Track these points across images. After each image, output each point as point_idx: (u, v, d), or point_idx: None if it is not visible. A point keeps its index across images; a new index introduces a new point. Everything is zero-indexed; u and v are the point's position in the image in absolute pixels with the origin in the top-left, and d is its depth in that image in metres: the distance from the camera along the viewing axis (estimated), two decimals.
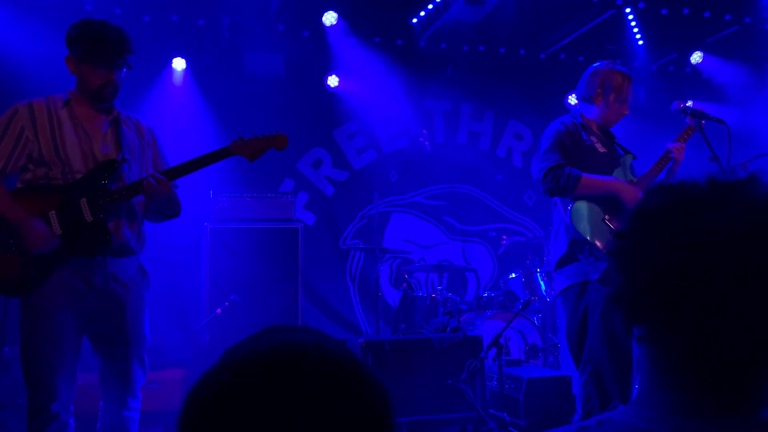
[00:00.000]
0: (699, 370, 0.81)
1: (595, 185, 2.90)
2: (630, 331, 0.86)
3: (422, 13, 5.95)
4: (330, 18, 5.76)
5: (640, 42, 6.35)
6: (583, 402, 2.90)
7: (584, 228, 2.86)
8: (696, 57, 6.55)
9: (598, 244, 2.81)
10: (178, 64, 5.83)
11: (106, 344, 2.56)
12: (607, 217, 2.89)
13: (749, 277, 0.78)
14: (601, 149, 3.06)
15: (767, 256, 0.78)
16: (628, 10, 5.84)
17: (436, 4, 5.73)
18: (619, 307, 0.86)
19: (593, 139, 3.07)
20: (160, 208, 2.66)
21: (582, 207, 2.90)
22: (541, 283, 5.40)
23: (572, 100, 6.83)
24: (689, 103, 3.29)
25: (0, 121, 2.48)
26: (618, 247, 0.87)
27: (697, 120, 2.99)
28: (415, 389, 3.79)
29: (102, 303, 2.50)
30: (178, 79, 5.91)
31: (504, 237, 6.18)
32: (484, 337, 4.04)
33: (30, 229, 2.36)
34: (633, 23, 6.10)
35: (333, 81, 6.29)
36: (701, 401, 0.82)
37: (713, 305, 0.79)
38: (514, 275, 5.56)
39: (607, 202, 2.91)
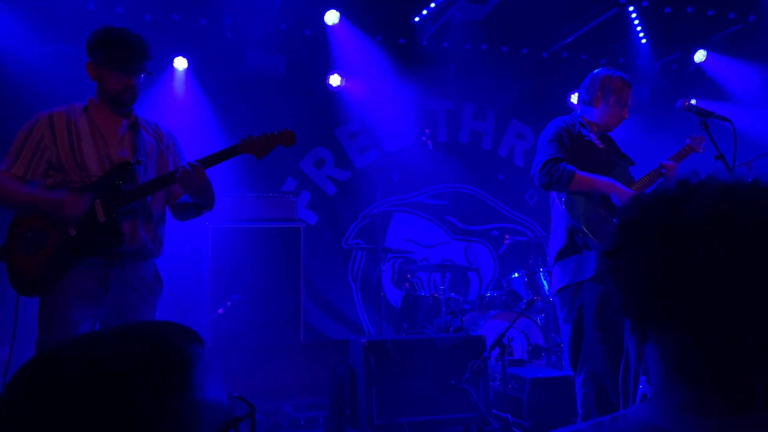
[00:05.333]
0: (708, 368, 0.81)
1: (589, 183, 2.92)
2: (645, 337, 0.87)
3: (424, 12, 5.93)
4: (332, 17, 5.75)
5: (644, 40, 6.32)
6: (581, 401, 2.90)
7: (578, 216, 2.90)
8: (700, 55, 6.51)
9: (590, 233, 2.83)
10: (180, 63, 5.81)
11: None
12: (600, 208, 2.91)
13: (744, 262, 0.78)
14: (600, 145, 3.09)
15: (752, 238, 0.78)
16: (631, 8, 5.81)
17: (438, 3, 5.71)
18: (627, 318, 0.88)
19: (592, 135, 3.10)
20: (197, 197, 2.64)
21: (578, 196, 2.94)
22: (544, 282, 5.39)
23: (574, 99, 6.81)
24: (693, 101, 3.28)
25: (22, 132, 2.57)
26: (610, 264, 0.89)
27: (702, 118, 2.98)
28: (417, 389, 3.78)
29: (115, 306, 2.57)
30: (179, 78, 5.89)
31: (507, 236, 6.17)
32: (487, 337, 4.03)
33: (60, 203, 2.43)
34: (636, 22, 6.07)
35: (335, 80, 6.28)
36: (711, 399, 0.82)
37: (711, 297, 0.79)
38: (516, 275, 5.54)
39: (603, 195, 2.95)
